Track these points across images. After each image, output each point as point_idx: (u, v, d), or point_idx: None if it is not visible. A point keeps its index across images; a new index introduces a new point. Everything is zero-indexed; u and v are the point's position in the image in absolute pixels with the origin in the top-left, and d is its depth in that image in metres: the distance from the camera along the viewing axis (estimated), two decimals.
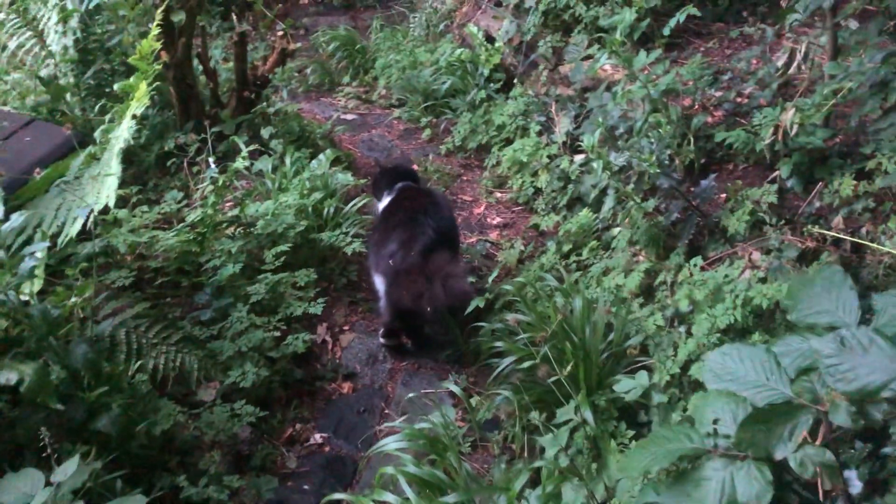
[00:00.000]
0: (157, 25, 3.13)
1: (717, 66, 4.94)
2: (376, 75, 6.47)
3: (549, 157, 4.78)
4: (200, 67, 4.55)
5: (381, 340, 3.67)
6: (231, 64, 5.07)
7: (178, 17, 4.19)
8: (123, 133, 2.50)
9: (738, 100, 4.69)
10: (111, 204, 2.46)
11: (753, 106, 4.58)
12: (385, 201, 3.89)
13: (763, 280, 3.06)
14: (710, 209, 3.72)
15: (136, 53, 2.88)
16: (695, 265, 3.17)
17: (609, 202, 4.01)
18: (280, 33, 4.48)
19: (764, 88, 4.68)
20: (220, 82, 4.72)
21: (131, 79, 2.87)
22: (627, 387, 2.52)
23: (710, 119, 4.61)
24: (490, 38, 6.05)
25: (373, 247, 3.67)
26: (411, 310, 3.35)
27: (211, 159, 3.83)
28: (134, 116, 2.53)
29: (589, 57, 5.42)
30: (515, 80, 5.71)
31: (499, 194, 4.99)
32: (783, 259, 3.07)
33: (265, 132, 4.26)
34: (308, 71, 6.59)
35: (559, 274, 3.84)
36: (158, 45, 2.94)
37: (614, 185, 3.88)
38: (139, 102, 2.52)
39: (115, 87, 2.87)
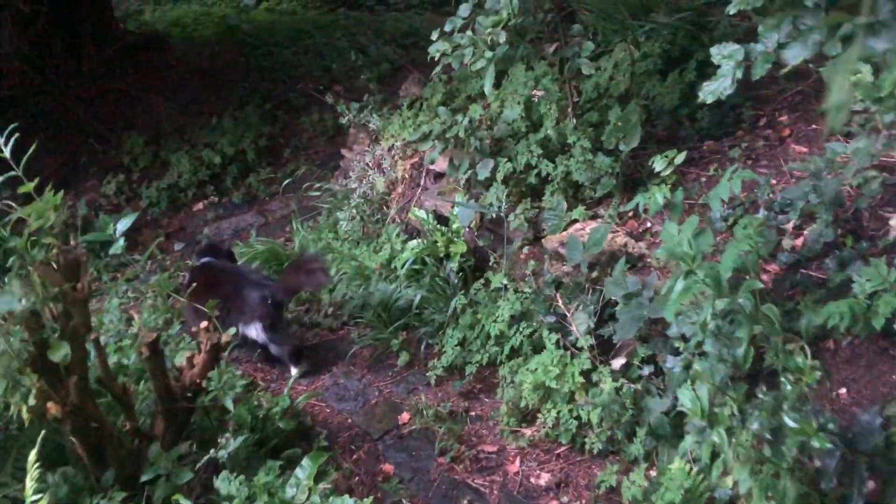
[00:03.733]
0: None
1: (739, 201, 4.04)
2: (314, 295, 5.30)
3: (582, 373, 3.69)
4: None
5: (297, 369, 4.63)
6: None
7: (62, 352, 2.97)
8: None
9: (795, 243, 3.78)
10: None
11: (818, 251, 3.66)
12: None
13: None
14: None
15: None
16: None
17: (711, 447, 2.92)
18: (204, 324, 3.30)
19: (814, 221, 3.81)
20: (137, 396, 3.47)
21: None
22: None
23: (764, 278, 3.67)
24: (442, 219, 5.02)
25: (227, 318, 4.23)
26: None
27: None
28: None
29: (574, 221, 4.45)
30: (491, 264, 4.66)
31: (528, 432, 3.85)
32: None
33: (221, 483, 3.02)
34: None
35: None
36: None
37: (720, 433, 2.80)
38: None
39: None
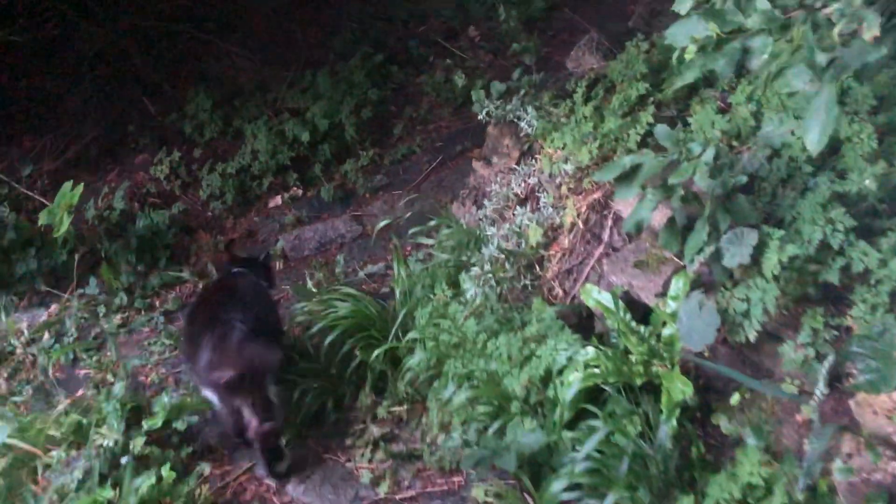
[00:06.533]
0: None
1: None
2: (418, 393, 3.32)
3: None
4: None
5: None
6: None
7: None
8: None
9: None
10: None
11: None
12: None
13: None
14: None
15: None
16: None
17: None
18: None
19: None
20: None
21: None
22: None
23: None
24: (638, 308, 2.88)
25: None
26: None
27: None
28: None
29: None
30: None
31: None
32: None
33: None
34: (297, 393, 3.47)
35: None
36: None
37: None
38: None
39: None
